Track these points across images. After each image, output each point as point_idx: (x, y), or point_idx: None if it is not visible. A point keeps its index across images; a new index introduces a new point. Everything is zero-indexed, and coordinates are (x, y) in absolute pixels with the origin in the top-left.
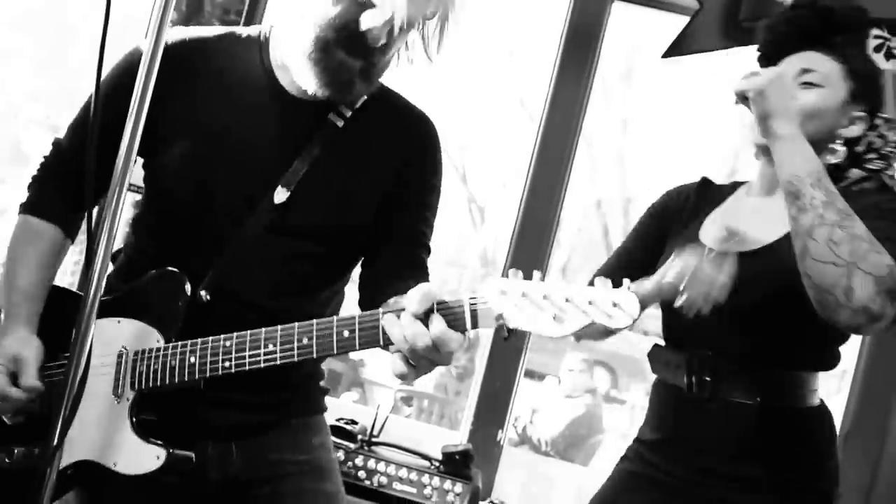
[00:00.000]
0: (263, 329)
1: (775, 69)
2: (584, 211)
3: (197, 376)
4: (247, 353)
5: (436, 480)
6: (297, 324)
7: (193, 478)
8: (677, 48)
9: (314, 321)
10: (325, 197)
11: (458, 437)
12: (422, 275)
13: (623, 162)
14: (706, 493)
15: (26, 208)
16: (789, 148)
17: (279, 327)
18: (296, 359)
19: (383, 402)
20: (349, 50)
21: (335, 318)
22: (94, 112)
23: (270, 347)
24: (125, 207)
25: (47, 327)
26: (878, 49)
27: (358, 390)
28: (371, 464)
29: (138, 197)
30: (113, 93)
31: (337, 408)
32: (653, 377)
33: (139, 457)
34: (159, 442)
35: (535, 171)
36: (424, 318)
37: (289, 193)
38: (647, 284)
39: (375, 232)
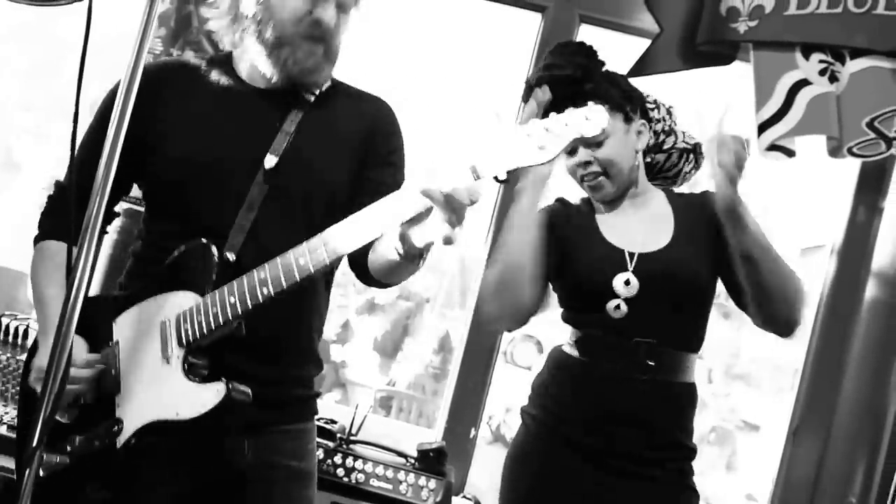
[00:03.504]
0: (290, 250)
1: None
2: None
3: (240, 310)
4: (281, 275)
5: (411, 477)
6: (319, 235)
7: (216, 464)
8: (639, 69)
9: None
10: (307, 159)
11: (434, 436)
12: None
13: None
14: (642, 468)
15: (41, 237)
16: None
17: (304, 242)
18: (327, 261)
19: (363, 402)
20: (311, 38)
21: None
22: (74, 126)
23: (301, 262)
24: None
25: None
26: (822, 73)
27: (340, 391)
28: (349, 461)
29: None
30: (102, 128)
31: (318, 408)
32: None
33: (199, 398)
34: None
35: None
36: None
37: (277, 159)
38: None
39: (352, 190)
